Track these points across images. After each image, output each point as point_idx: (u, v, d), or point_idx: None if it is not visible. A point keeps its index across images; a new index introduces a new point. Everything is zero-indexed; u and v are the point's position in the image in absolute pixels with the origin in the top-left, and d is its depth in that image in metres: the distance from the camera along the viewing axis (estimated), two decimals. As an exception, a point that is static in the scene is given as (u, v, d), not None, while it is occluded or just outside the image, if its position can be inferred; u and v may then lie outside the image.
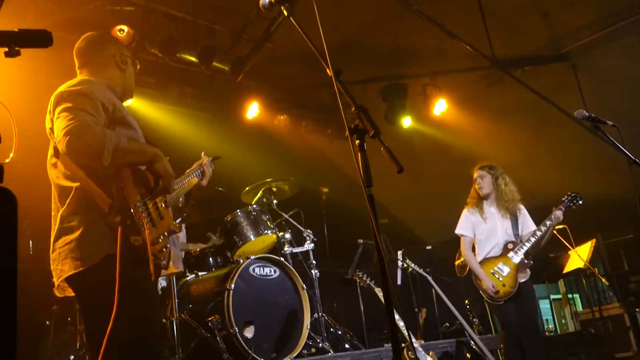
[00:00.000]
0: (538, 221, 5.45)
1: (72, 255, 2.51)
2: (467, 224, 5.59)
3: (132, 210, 2.46)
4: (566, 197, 5.45)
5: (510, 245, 5.34)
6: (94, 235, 2.51)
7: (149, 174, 2.69)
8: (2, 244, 1.29)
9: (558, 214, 5.31)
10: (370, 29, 7.25)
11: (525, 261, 5.26)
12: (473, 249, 5.57)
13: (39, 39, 1.67)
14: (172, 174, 2.70)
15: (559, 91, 7.98)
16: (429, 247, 8.53)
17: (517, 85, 7.90)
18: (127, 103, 3.17)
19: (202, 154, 3.68)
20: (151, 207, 2.61)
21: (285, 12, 2.56)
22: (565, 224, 5.45)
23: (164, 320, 4.92)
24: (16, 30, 1.62)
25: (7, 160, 2.10)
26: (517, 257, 5.27)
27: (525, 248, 5.28)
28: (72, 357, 5.40)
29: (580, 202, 5.42)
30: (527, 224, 5.50)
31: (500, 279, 5.24)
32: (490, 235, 5.45)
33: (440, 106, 8.42)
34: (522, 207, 5.55)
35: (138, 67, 3.18)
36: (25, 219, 5.56)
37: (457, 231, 5.62)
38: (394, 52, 7.83)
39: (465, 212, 5.66)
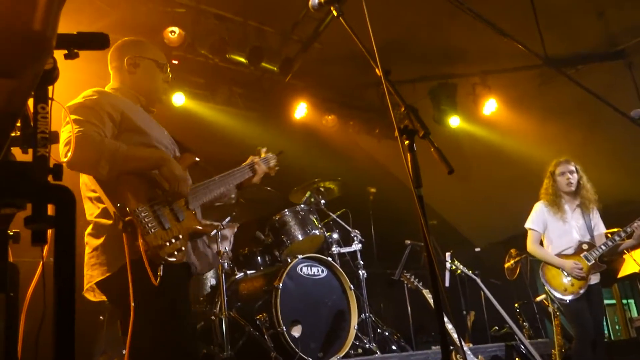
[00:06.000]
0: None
1: (99, 261, 2.63)
2: (539, 218, 5.47)
3: (131, 217, 2.50)
4: None
5: (584, 246, 5.23)
6: (113, 243, 2.59)
7: (162, 179, 2.75)
8: (63, 241, 1.33)
9: None
10: (420, 27, 7.19)
11: (599, 264, 5.16)
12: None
13: (96, 41, 1.72)
14: (180, 176, 2.73)
15: (613, 90, 7.76)
16: (477, 249, 8.42)
17: (570, 85, 7.65)
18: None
19: (263, 149, 3.68)
20: (164, 210, 2.67)
21: (334, 12, 2.56)
22: (620, 227, 5.30)
23: (212, 317, 4.99)
24: (75, 33, 1.67)
25: (65, 160, 2.17)
26: (590, 259, 5.16)
27: (601, 251, 5.16)
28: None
29: None
30: (598, 225, 5.38)
31: (569, 278, 5.15)
32: (564, 233, 5.34)
33: (490, 106, 8.29)
34: (596, 208, 5.42)
35: (166, 69, 3.15)
36: (81, 217, 5.71)
37: (528, 225, 5.50)
38: (443, 51, 7.75)
39: (540, 206, 5.53)
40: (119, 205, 2.54)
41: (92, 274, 2.64)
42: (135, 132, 2.81)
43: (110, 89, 3.02)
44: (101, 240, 2.65)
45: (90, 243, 2.71)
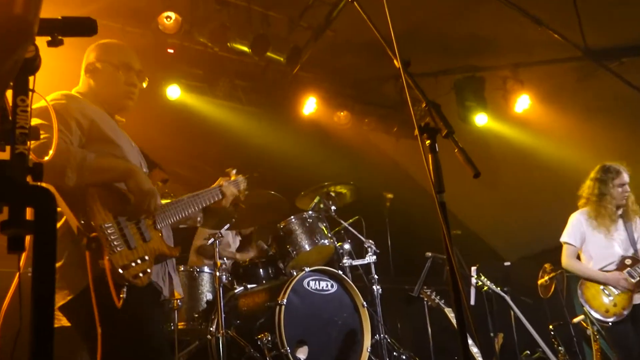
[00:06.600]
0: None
1: (60, 284, 2.64)
2: (576, 231, 5.44)
3: (96, 233, 2.55)
4: None
5: (628, 261, 5.20)
6: (76, 261, 2.61)
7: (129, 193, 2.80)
8: (42, 248, 1.34)
9: None
10: (443, 14, 7.18)
11: None
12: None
13: (83, 27, 1.72)
14: (149, 191, 2.78)
15: (661, 86, 7.72)
16: (507, 263, 8.36)
17: (613, 79, 7.68)
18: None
19: (233, 171, 3.77)
20: (131, 228, 2.73)
21: (348, -4, 2.57)
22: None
23: (208, 336, 5.00)
24: (59, 18, 1.67)
25: (46, 158, 2.17)
26: (635, 276, 5.12)
27: None
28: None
29: None
30: None
31: (612, 297, 5.11)
32: (605, 247, 5.30)
33: (523, 102, 8.26)
34: (639, 218, 5.39)
35: (128, 69, 3.15)
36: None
37: (563, 238, 5.48)
38: (469, 41, 7.74)
39: (577, 217, 5.50)
40: (83, 221, 2.58)
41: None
42: (104, 142, 2.86)
43: (77, 92, 3.08)
44: (61, 261, 2.67)
45: None
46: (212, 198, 3.45)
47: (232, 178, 3.72)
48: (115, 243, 2.59)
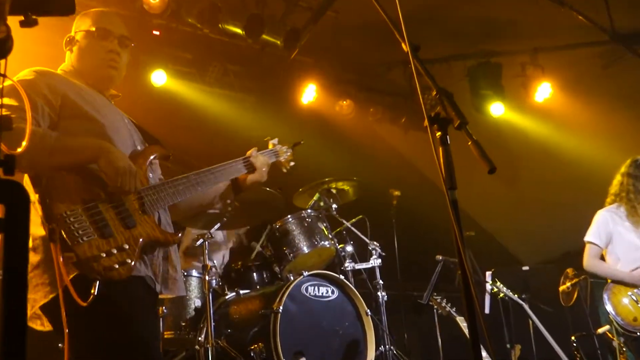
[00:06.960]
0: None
1: (41, 281, 2.60)
2: (602, 230, 5.45)
3: (54, 224, 2.47)
4: None
5: None
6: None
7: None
8: (14, 249, 1.34)
9: None
10: (457, -6, 7.20)
11: None
12: None
13: (59, 5, 1.72)
14: (124, 169, 2.66)
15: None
16: (525, 268, 8.38)
17: (642, 66, 7.69)
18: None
19: (273, 140, 3.65)
20: (108, 213, 2.63)
21: (352, -27, 2.57)
22: None
23: (197, 347, 5.00)
24: (34, -6, 1.68)
25: (19, 150, 2.18)
26: None
27: None
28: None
29: None
30: None
31: None
32: (636, 249, 5.32)
33: (544, 91, 8.27)
34: None
35: (105, 34, 3.12)
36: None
37: (587, 238, 5.50)
38: (485, 24, 7.74)
39: (603, 215, 5.52)
40: (45, 210, 2.53)
41: (34, 297, 2.61)
42: (80, 119, 2.82)
43: (61, 70, 3.10)
44: (40, 256, 2.64)
45: (30, 259, 2.66)
46: (233, 172, 3.29)
47: (270, 147, 3.60)
48: (80, 232, 2.49)
